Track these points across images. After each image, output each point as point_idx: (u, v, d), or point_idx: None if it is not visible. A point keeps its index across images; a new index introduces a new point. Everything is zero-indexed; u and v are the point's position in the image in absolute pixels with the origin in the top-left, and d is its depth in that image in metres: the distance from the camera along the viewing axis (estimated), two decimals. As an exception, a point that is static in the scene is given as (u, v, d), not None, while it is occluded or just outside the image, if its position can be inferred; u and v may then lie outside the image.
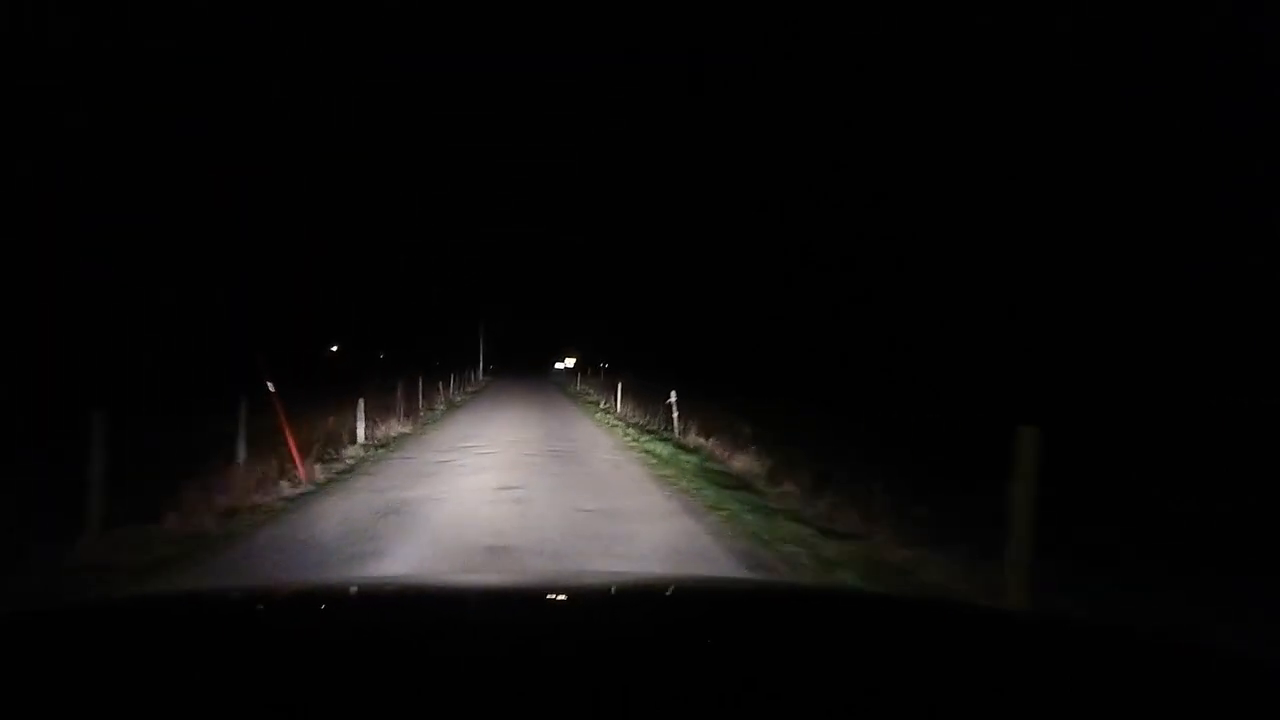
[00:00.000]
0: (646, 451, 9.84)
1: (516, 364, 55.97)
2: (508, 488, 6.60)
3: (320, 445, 8.07)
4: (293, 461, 6.84)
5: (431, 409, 16.58)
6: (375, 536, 4.86)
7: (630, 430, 12.64)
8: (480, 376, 36.16)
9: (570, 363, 49.57)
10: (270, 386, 6.90)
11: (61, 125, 16.08)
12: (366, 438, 9.90)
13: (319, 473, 7.28)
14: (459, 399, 21.56)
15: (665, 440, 10.75)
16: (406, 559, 4.33)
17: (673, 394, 11.73)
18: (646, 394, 15.18)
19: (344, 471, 7.76)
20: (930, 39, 23.09)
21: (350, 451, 8.92)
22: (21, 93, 14.51)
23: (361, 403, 10.09)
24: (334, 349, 37.96)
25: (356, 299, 34.66)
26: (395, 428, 11.69)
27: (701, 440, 10.19)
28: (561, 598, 1.38)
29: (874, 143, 25.97)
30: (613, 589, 1.52)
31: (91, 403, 4.54)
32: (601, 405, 18.67)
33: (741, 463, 8.37)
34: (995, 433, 3.79)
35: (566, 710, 0.73)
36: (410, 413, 13.86)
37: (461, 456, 8.94)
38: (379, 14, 38.32)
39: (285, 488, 6.44)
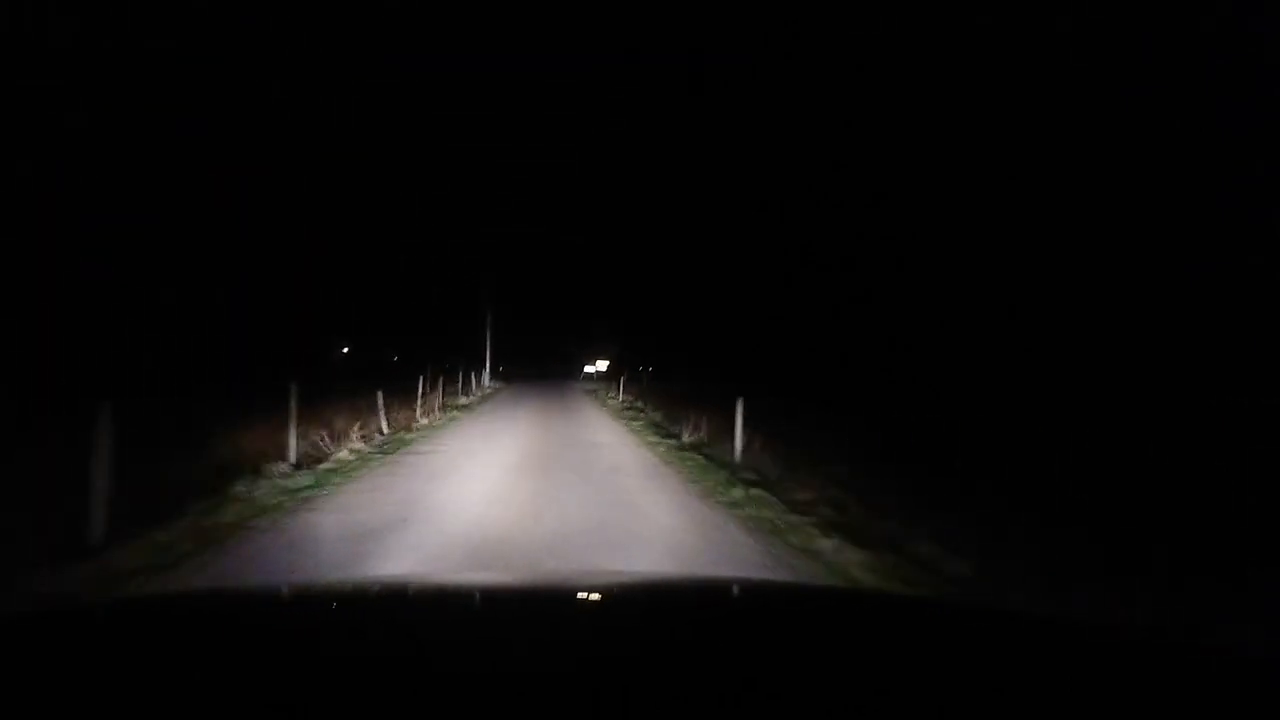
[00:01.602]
0: None
1: (527, 364, 47.17)
2: None
3: None
4: None
5: (329, 452, 7.47)
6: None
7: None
8: (486, 381, 28.15)
9: (602, 366, 44.41)
10: None
11: (61, 125, 16.09)
12: None
13: None
14: (418, 431, 10.85)
15: None
16: None
17: None
18: (759, 414, 8.38)
19: None
20: (930, 39, 23.13)
21: None
22: (21, 93, 14.53)
23: None
24: (345, 350, 37.55)
25: (357, 299, 34.57)
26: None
27: None
28: (567, 596, 1.38)
29: (874, 143, 26.04)
30: (618, 588, 1.51)
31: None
32: (685, 439, 10.02)
33: None
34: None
35: (569, 710, 0.73)
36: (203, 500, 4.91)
37: None
38: (379, 14, 38.40)
39: None
